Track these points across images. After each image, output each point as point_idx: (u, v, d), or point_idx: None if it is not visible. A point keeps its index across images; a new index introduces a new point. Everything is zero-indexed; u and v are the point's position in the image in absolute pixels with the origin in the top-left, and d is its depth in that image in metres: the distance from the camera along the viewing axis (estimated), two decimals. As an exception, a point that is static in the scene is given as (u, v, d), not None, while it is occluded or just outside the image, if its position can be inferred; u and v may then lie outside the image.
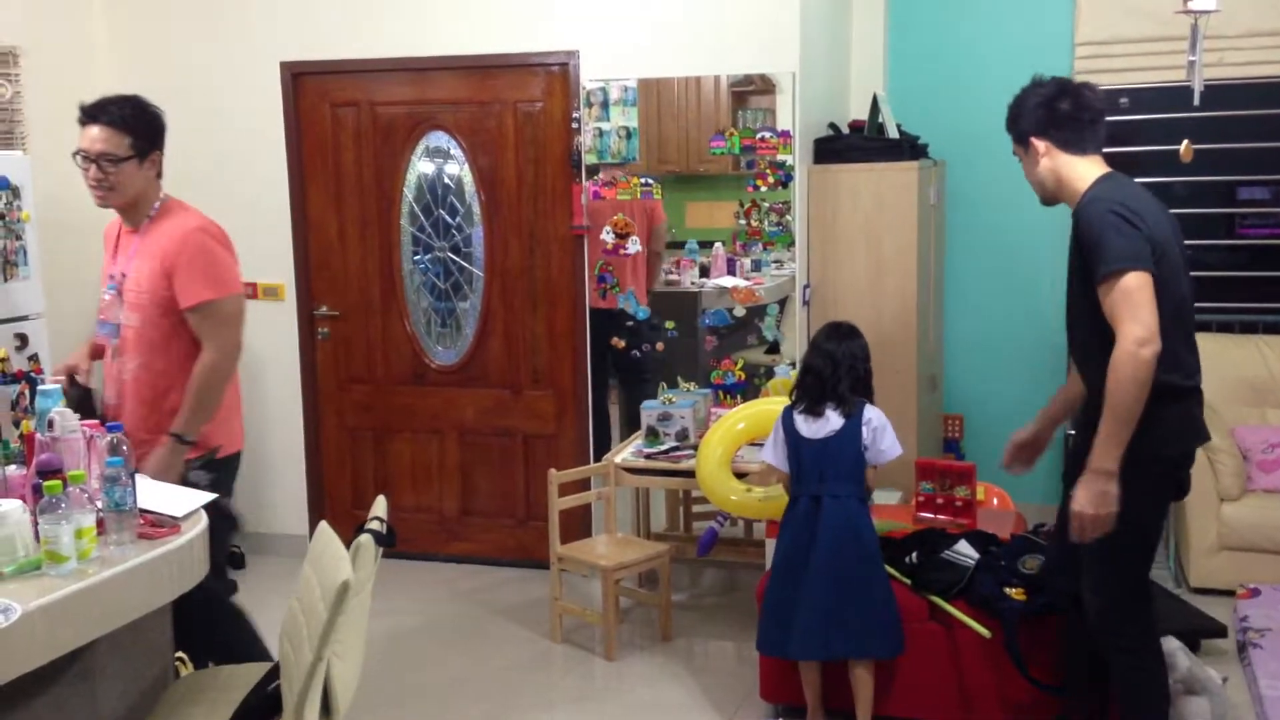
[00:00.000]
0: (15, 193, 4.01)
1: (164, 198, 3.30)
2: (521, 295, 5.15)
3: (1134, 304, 2.75)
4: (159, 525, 2.67)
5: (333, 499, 5.42)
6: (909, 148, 4.88)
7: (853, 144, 4.88)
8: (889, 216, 4.73)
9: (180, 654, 2.97)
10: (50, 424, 2.69)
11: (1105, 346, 2.80)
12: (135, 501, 2.62)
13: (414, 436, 5.33)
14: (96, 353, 3.42)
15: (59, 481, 2.46)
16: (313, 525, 5.33)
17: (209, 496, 2.90)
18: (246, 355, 5.31)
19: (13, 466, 2.66)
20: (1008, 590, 3.35)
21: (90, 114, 3.17)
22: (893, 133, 4.95)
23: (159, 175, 3.28)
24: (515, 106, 5.06)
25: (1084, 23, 5.20)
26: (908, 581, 3.49)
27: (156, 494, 2.79)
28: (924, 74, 5.43)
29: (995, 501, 4.16)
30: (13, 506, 2.44)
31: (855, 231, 4.77)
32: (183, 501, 2.80)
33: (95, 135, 3.13)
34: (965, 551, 3.50)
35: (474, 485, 5.29)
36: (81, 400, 3.23)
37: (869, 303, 4.72)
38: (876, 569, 3.41)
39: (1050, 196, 3.06)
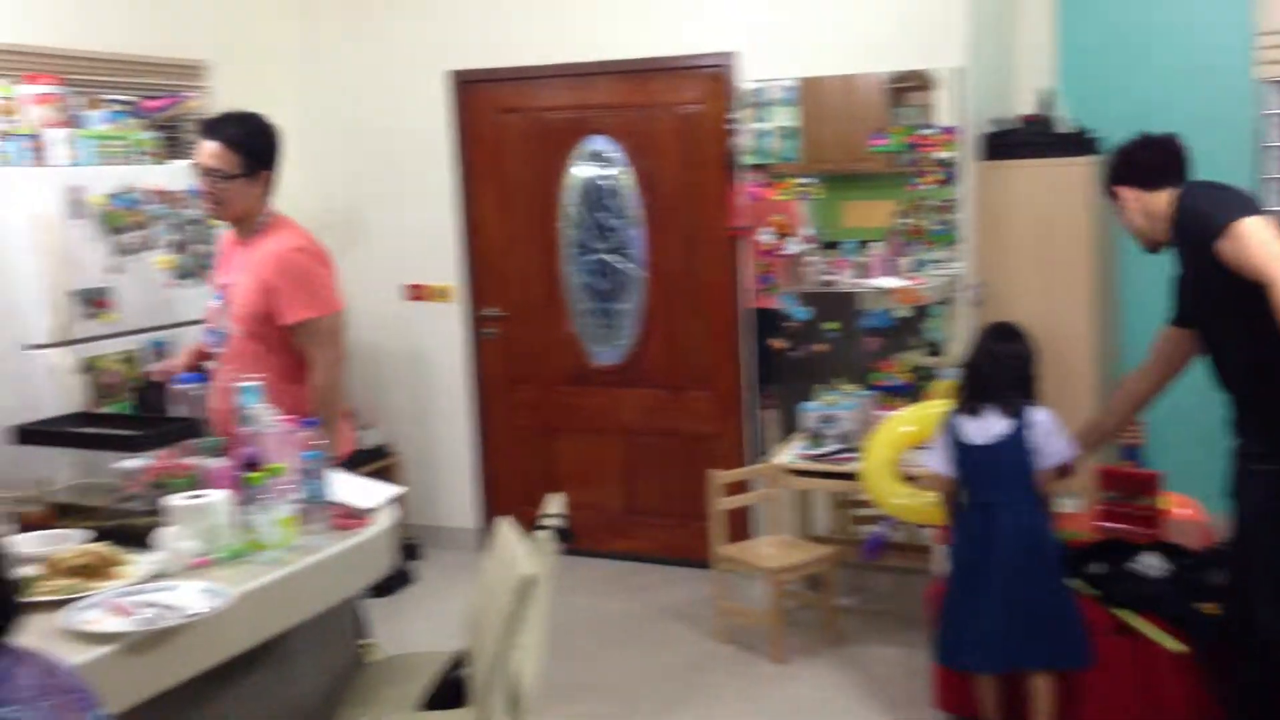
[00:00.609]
0: (207, 201, 4.23)
1: (270, 214, 3.36)
2: (681, 296, 5.18)
3: (1264, 242, 2.69)
4: (350, 517, 2.77)
5: (501, 495, 5.54)
6: (1081, 142, 4.72)
7: (1023, 139, 4.74)
8: (1061, 214, 4.59)
9: (368, 640, 3.07)
10: (250, 419, 2.82)
11: (1266, 356, 2.73)
12: (329, 493, 2.74)
13: (578, 435, 5.42)
14: (200, 357, 3.50)
15: (260, 473, 2.59)
16: (482, 520, 5.50)
17: (398, 490, 3.00)
18: (418, 353, 5.55)
19: (216, 459, 2.80)
20: (1199, 605, 3.20)
21: (207, 130, 3.27)
22: (1064, 127, 4.80)
23: (269, 193, 3.34)
24: (673, 109, 5.09)
25: (1264, 11, 4.94)
26: (1095, 593, 3.38)
27: (348, 487, 2.90)
28: (1095, 66, 5.24)
29: (1184, 512, 3.98)
30: (220, 496, 2.57)
31: (1025, 230, 4.64)
32: (372, 494, 2.91)
33: (209, 151, 3.22)
34: (1153, 563, 3.36)
35: (637, 484, 5.34)
36: (152, 401, 3.38)
37: (1040, 303, 4.57)
38: (1058, 578, 3.31)
39: (1150, 238, 3.13)
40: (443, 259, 5.45)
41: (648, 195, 5.18)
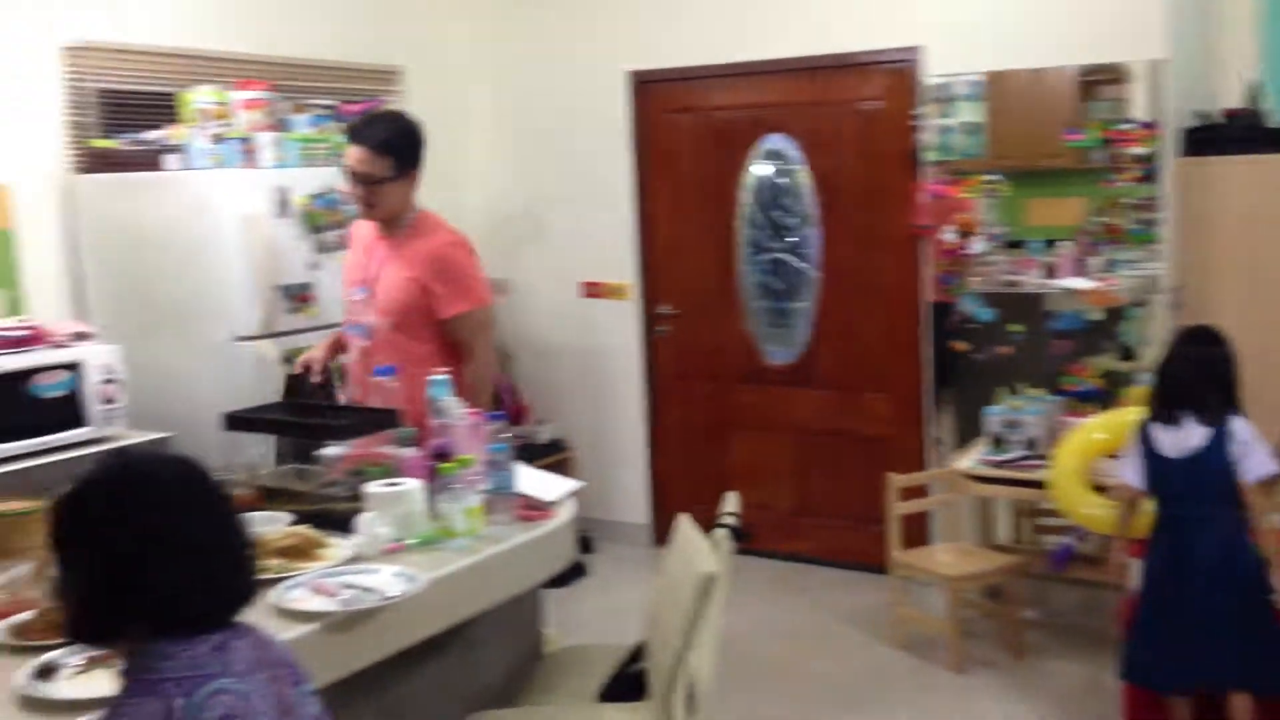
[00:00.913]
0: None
1: (418, 209, 3.40)
2: (857, 296, 5.11)
3: None
4: (534, 508, 2.84)
5: (672, 491, 5.58)
6: (1293, 136, 4.44)
7: (1227, 134, 4.49)
8: (1269, 213, 4.32)
9: (549, 631, 3.14)
10: (441, 411, 2.92)
11: None
12: (515, 485, 2.81)
13: (751, 434, 5.41)
14: (338, 349, 3.53)
15: (452, 464, 2.68)
16: (654, 516, 5.55)
17: (577, 484, 3.06)
18: (593, 349, 5.64)
19: (410, 449, 2.90)
20: None
21: (355, 135, 3.27)
22: (1273, 121, 4.52)
23: (415, 189, 3.37)
24: (853, 106, 5.02)
25: None
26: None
27: (531, 479, 2.97)
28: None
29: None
30: (414, 485, 2.67)
31: (1230, 229, 4.39)
32: (554, 487, 2.97)
33: (359, 157, 3.21)
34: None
35: (810, 485, 5.30)
36: (296, 391, 3.44)
37: (1245, 308, 4.32)
38: (1259, 597, 3.13)
39: None
40: (619, 257, 5.53)
41: (824, 193, 5.13)
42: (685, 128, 5.39)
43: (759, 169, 5.29)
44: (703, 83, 5.31)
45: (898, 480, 4.33)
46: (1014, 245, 4.77)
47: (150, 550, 1.52)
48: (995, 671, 4.09)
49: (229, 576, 1.62)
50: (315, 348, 3.54)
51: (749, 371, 5.40)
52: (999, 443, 4.39)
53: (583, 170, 5.56)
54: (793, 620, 4.68)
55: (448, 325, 3.33)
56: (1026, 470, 4.22)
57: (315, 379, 3.43)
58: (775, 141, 5.23)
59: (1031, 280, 4.71)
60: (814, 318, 5.23)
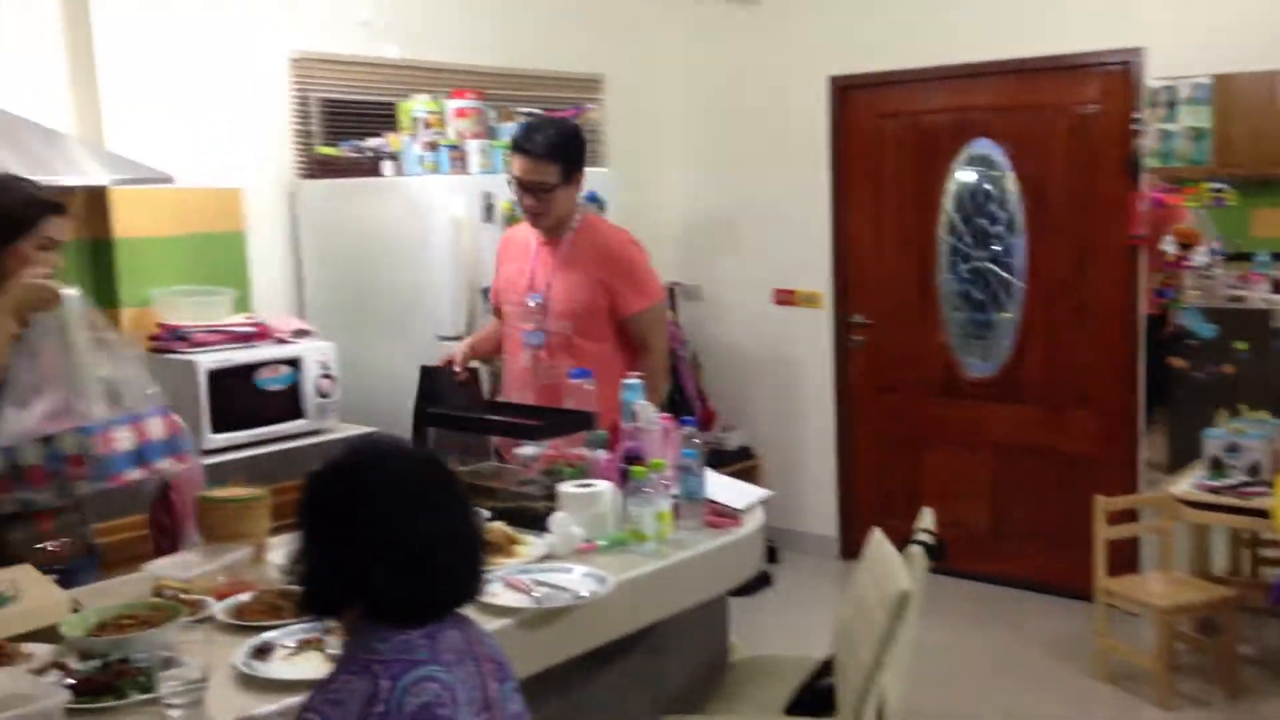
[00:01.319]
0: (601, 205, 4.47)
1: (582, 213, 3.40)
2: (1065, 308, 4.90)
3: None
4: (723, 515, 2.83)
5: (862, 505, 5.48)
6: None
7: None
8: None
9: (733, 639, 3.13)
10: (634, 415, 2.96)
11: None
12: (704, 491, 2.81)
13: (945, 449, 5.26)
14: (483, 351, 3.53)
15: (643, 468, 2.70)
16: (842, 529, 5.47)
17: (766, 493, 3.04)
18: (784, 357, 5.60)
19: (602, 451, 2.95)
20: None
21: (521, 145, 3.24)
22: None
23: (580, 193, 3.38)
24: (1067, 110, 4.82)
25: None
26: None
27: (721, 486, 2.97)
28: None
29: None
30: (606, 487, 2.71)
31: None
32: (744, 495, 2.96)
33: (529, 166, 3.20)
34: None
35: (1007, 504, 5.12)
36: (428, 389, 3.38)
37: None
38: None
39: None
40: (813, 265, 5.47)
41: (1033, 201, 4.95)
42: (887, 133, 5.29)
43: (963, 175, 5.14)
44: (906, 86, 5.19)
45: (1105, 503, 4.12)
46: (1238, 258, 4.48)
47: (370, 540, 1.59)
48: (1207, 711, 3.85)
49: (449, 574, 1.65)
50: (459, 346, 3.52)
51: (946, 384, 5.25)
52: (1218, 467, 4.12)
53: (779, 176, 5.53)
54: (987, 645, 4.52)
55: (628, 323, 3.35)
56: (1247, 497, 3.94)
57: (459, 376, 3.40)
58: (981, 146, 5.08)
59: (1257, 295, 4.42)
60: (1017, 329, 5.04)
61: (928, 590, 4.22)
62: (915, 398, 5.33)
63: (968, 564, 5.14)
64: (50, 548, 2.56)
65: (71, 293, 2.50)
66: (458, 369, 3.41)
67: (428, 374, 3.41)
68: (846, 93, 5.35)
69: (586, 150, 3.39)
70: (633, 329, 3.37)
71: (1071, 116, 4.81)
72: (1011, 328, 5.07)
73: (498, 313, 3.56)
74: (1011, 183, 5.01)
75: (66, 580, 2.48)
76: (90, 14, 3.71)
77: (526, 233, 3.42)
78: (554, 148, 3.22)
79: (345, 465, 1.66)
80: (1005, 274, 5.07)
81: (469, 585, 1.69)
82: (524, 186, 3.24)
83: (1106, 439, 4.82)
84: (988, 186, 5.09)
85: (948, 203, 5.19)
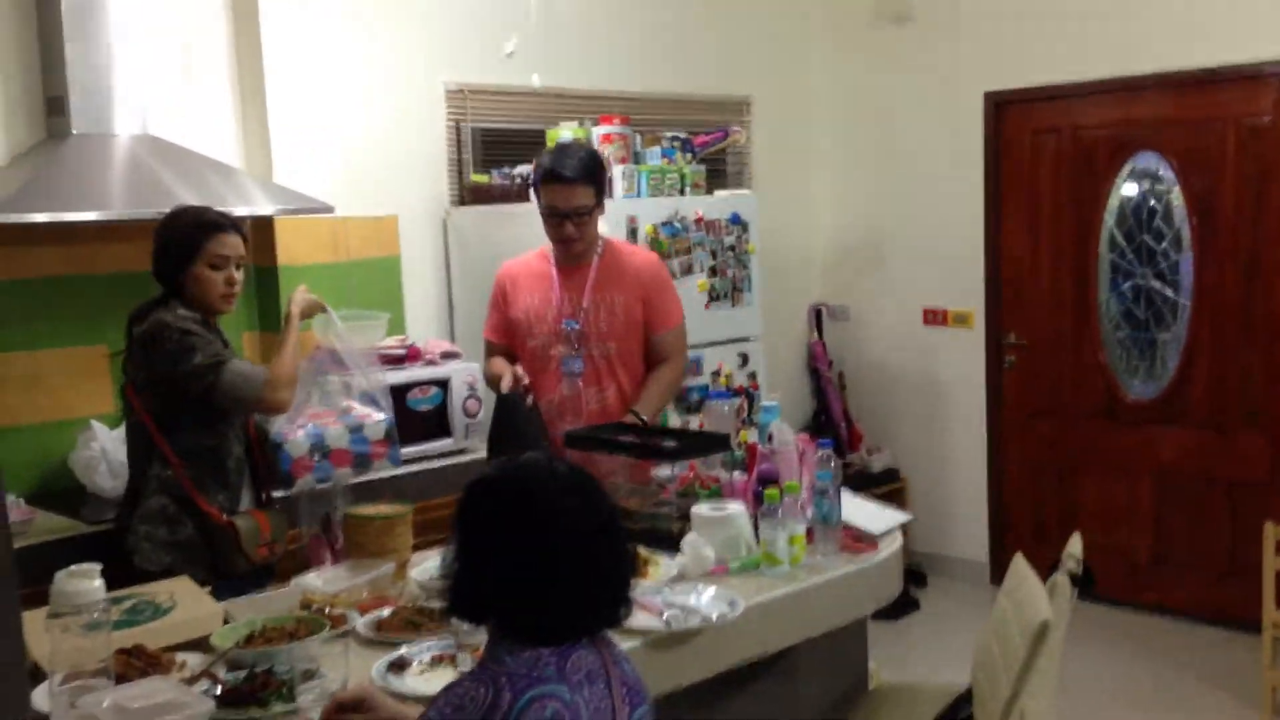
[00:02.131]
0: (744, 227, 4.48)
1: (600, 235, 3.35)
2: (1235, 327, 4.66)
3: None
4: (860, 540, 2.80)
5: (1014, 530, 5.32)
6: None
7: None
8: None
9: (873, 665, 3.09)
10: (770, 437, 2.95)
11: None
12: (840, 515, 2.79)
13: (1102, 474, 5.07)
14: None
15: (777, 490, 2.69)
16: (993, 553, 5.32)
17: (906, 517, 2.99)
18: (933, 378, 5.50)
19: (737, 472, 2.95)
20: None
21: (560, 174, 3.16)
22: None
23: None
24: (1238, 121, 4.60)
25: None
26: None
27: (858, 510, 2.93)
28: None
29: None
30: (738, 509, 2.71)
31: None
32: (882, 519, 2.92)
33: (566, 193, 3.15)
34: None
35: (1168, 532, 4.89)
36: (529, 415, 3.20)
37: None
38: None
39: None
40: (965, 284, 5.35)
41: (1200, 216, 4.73)
42: (1044, 148, 5.14)
43: (1126, 190, 4.95)
44: (1065, 100, 5.04)
45: (1276, 530, 3.90)
46: None
47: (505, 560, 1.62)
48: (1391, 759, 3.60)
49: (585, 600, 1.65)
50: (505, 373, 3.25)
51: (1105, 407, 5.05)
52: (1404, 499, 3.85)
53: (930, 194, 5.44)
54: (1142, 677, 4.33)
55: (660, 340, 3.34)
56: None
57: (528, 400, 3.21)
58: (1145, 160, 4.89)
59: None
60: (1183, 350, 4.83)
61: (1081, 620, 4.09)
62: (1072, 420, 5.15)
63: (1126, 593, 4.93)
64: (267, 550, 2.79)
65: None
66: (525, 390, 3.20)
67: (503, 402, 3.22)
68: (1002, 108, 5.23)
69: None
70: (662, 346, 3.36)
71: (1242, 129, 4.59)
72: (1176, 347, 4.85)
73: (494, 351, 3.39)
74: (1177, 197, 4.80)
75: (251, 584, 2.69)
76: (262, 55, 3.93)
77: (537, 263, 3.34)
78: (586, 171, 3.18)
79: (496, 482, 1.69)
80: (1170, 292, 4.86)
81: (607, 612, 1.69)
82: (562, 214, 3.18)
83: (1277, 463, 4.55)
84: (1152, 202, 4.89)
85: (1109, 219, 5.01)
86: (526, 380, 3.21)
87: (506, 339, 3.37)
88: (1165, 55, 4.68)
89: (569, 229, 3.20)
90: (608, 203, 4.08)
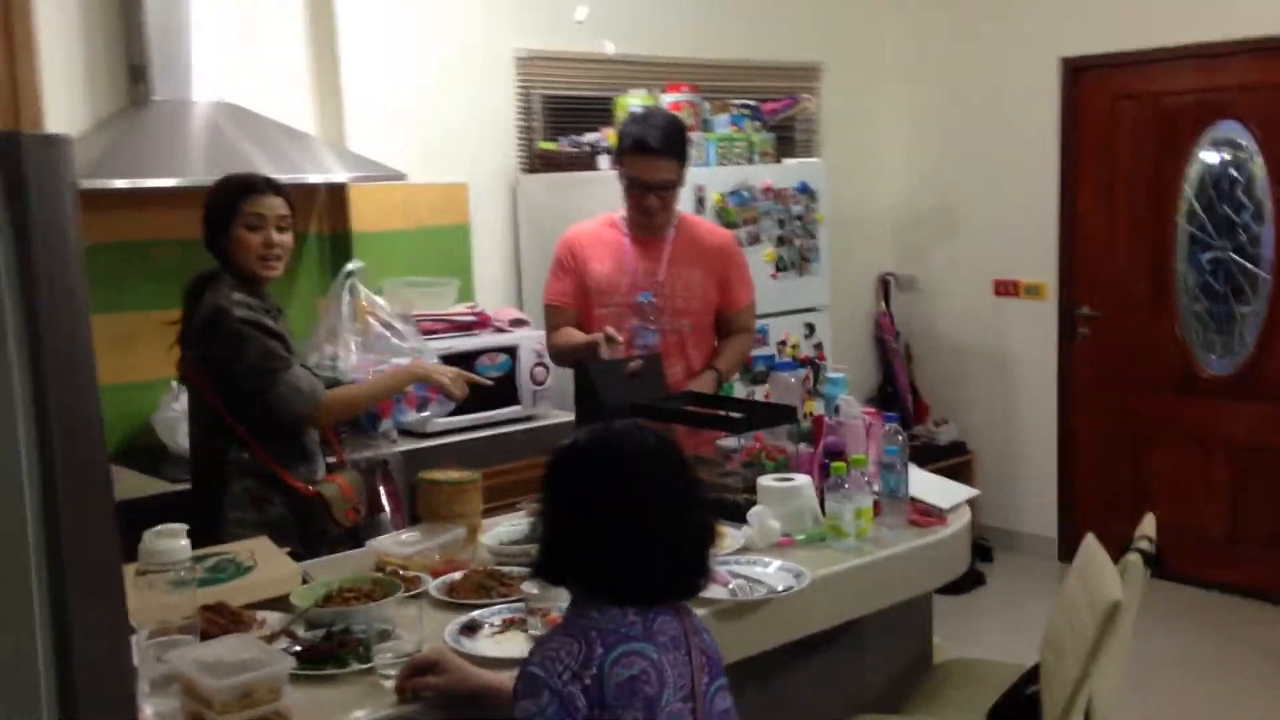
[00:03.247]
0: (813, 196, 4.45)
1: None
2: (1318, 302, 4.54)
3: None
4: (927, 514, 2.78)
5: (1084, 505, 5.26)
6: None
7: None
8: None
9: (939, 640, 3.08)
10: (836, 409, 2.94)
11: None
12: (907, 489, 2.77)
13: (1175, 449, 4.98)
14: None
15: (843, 463, 2.69)
16: (1061, 529, 5.27)
17: (973, 492, 2.97)
18: (1003, 350, 5.43)
19: (804, 444, 2.95)
20: None
21: (654, 147, 3.09)
22: None
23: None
24: (1325, 89, 4.46)
25: None
26: None
27: (925, 484, 2.92)
28: None
29: None
30: (804, 481, 2.71)
31: None
32: (950, 494, 2.90)
33: (654, 166, 3.10)
34: None
35: (1245, 510, 4.80)
36: (633, 376, 3.08)
37: None
38: None
39: None
40: (1037, 255, 5.27)
41: (1284, 187, 4.61)
42: (1122, 115, 5.03)
43: (1207, 159, 4.84)
44: (1145, 67, 4.93)
45: (1356, 515, 3.82)
46: None
47: (595, 525, 1.66)
48: None
49: (670, 566, 1.69)
50: (597, 337, 3.12)
51: (1180, 380, 4.96)
52: None
53: (1003, 163, 5.35)
54: (1215, 657, 4.28)
55: (734, 316, 3.33)
56: None
57: (632, 367, 3.12)
58: (1227, 129, 4.77)
59: None
60: (1262, 323, 4.72)
61: (1152, 598, 4.04)
62: (1145, 394, 5.06)
63: (1199, 571, 4.86)
64: (354, 513, 2.83)
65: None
66: (622, 355, 3.11)
67: (583, 371, 3.16)
68: (1079, 74, 5.12)
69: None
70: (733, 323, 3.35)
71: (1329, 96, 4.45)
72: (1255, 321, 4.74)
73: (563, 318, 3.29)
74: (1260, 168, 4.68)
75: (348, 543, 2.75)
76: (336, 24, 3.97)
77: (606, 231, 3.28)
78: (673, 143, 3.12)
79: (587, 448, 1.72)
80: (1250, 264, 4.74)
81: (690, 580, 1.73)
82: (648, 187, 3.12)
83: (1361, 444, 4.45)
84: (1233, 171, 4.77)
85: (1188, 189, 4.90)
86: (620, 339, 3.09)
87: (577, 303, 3.29)
88: (1249, 21, 4.55)
89: (652, 201, 3.15)
90: (715, 171, 4.11)
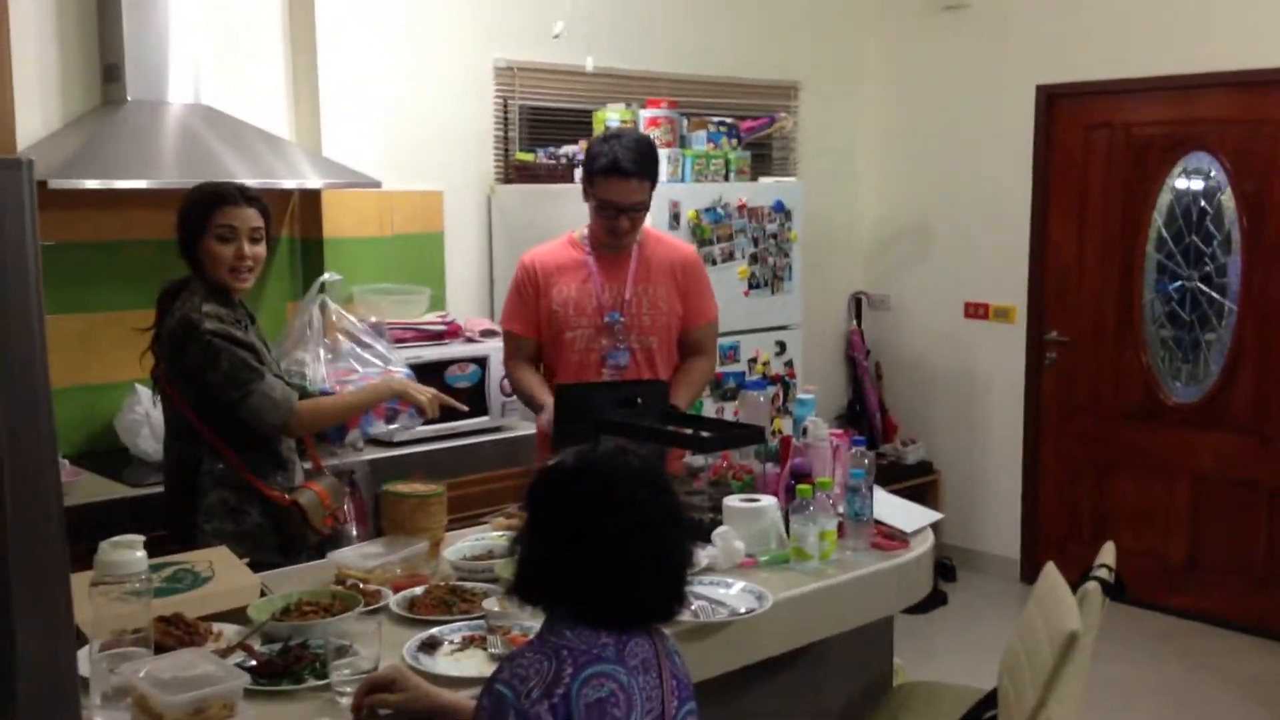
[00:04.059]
0: (788, 215, 4.47)
1: None
2: (1283, 333, 4.60)
3: None
4: (890, 538, 2.80)
5: (1046, 528, 5.30)
6: None
7: None
8: None
9: (898, 661, 3.09)
10: (805, 431, 2.95)
11: None
12: (872, 512, 2.79)
13: (1139, 475, 5.03)
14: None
15: (809, 485, 2.69)
16: (1024, 551, 5.30)
17: (937, 516, 2.99)
18: (971, 372, 5.47)
19: (770, 464, 2.95)
20: None
21: (624, 169, 3.05)
22: None
23: None
24: (1295, 124, 4.53)
25: None
26: None
27: (890, 507, 2.93)
28: None
29: None
30: (770, 502, 2.72)
31: None
32: (914, 517, 2.91)
33: (626, 188, 3.07)
34: None
35: (1204, 537, 4.85)
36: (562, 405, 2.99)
37: None
38: None
39: None
40: (1008, 278, 5.31)
41: (1252, 219, 4.67)
42: (1095, 144, 5.08)
43: (1177, 189, 4.89)
44: (1119, 97, 4.98)
45: (1313, 546, 3.87)
46: None
47: (581, 547, 1.65)
48: None
49: (652, 589, 1.70)
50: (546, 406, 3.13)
51: (1145, 408, 5.01)
52: None
53: (977, 187, 5.39)
54: (1171, 680, 4.32)
55: (695, 333, 3.30)
56: None
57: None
58: (1198, 160, 4.82)
59: None
60: (1227, 354, 4.77)
61: (1112, 622, 4.06)
62: (1111, 420, 5.11)
63: (1158, 596, 4.91)
64: (332, 519, 2.81)
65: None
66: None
67: (563, 392, 3.05)
68: (1054, 101, 5.17)
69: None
70: (695, 339, 3.32)
71: (1298, 131, 4.51)
72: (1220, 351, 4.80)
73: (521, 347, 3.27)
74: (1228, 199, 4.74)
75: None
76: (315, 29, 3.95)
77: (568, 252, 3.24)
78: (645, 164, 3.09)
79: (572, 470, 1.71)
80: (1216, 295, 4.80)
81: (669, 604, 1.73)
82: (620, 209, 3.09)
83: (1321, 475, 4.51)
84: (1203, 202, 4.82)
85: (1158, 218, 4.95)
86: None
87: (536, 332, 3.25)
88: (1223, 55, 4.60)
89: (623, 223, 3.12)
90: (689, 188, 4.10)
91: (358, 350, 3.36)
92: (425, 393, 2.92)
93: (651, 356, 3.25)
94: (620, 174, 3.06)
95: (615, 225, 3.13)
